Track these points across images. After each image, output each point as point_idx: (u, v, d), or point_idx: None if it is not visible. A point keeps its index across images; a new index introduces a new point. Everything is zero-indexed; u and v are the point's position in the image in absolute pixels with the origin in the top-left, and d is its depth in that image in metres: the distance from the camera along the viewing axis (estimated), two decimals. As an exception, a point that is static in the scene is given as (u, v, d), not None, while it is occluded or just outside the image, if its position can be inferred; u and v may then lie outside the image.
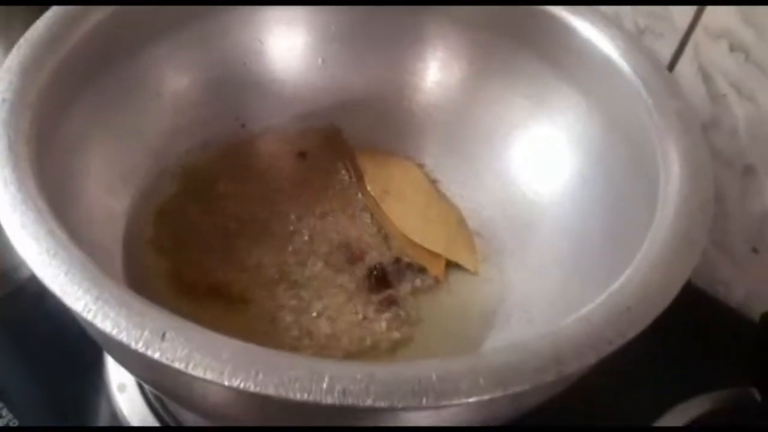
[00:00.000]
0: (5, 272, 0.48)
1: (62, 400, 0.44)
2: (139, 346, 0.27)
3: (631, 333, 0.30)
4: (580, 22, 0.44)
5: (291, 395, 0.26)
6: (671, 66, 0.51)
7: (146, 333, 0.27)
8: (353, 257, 0.46)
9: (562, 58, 0.45)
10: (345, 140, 0.52)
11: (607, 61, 0.43)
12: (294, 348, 0.41)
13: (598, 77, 0.44)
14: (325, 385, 0.26)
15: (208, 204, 0.47)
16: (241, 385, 0.26)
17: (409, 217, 0.48)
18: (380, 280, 0.45)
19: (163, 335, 0.27)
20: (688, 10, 0.48)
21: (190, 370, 0.27)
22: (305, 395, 0.26)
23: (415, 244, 0.47)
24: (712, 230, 0.52)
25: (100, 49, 0.41)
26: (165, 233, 0.45)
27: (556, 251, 0.44)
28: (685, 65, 0.50)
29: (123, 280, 0.40)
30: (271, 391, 0.26)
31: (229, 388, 0.26)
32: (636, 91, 0.41)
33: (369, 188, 0.49)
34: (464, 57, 0.49)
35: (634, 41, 0.43)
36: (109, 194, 0.42)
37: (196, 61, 0.48)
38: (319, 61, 0.51)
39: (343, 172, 0.51)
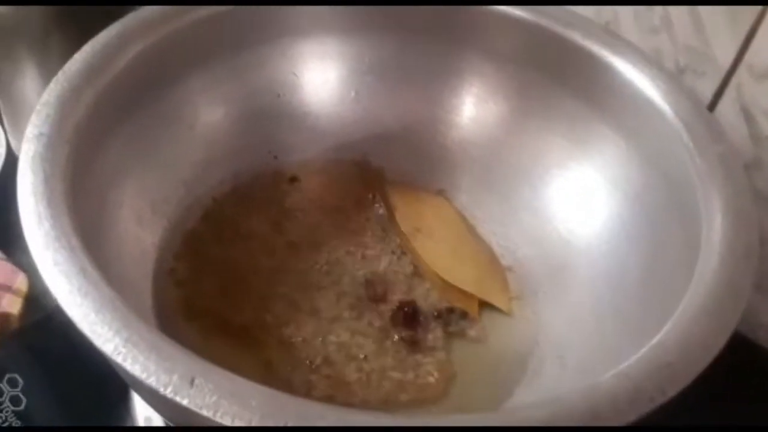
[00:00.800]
0: (35, 297, 0.48)
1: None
2: (168, 392, 0.27)
3: (673, 390, 0.28)
4: (620, 61, 0.43)
5: (320, 447, 0.26)
6: (712, 105, 0.50)
7: (175, 378, 0.27)
8: (381, 296, 0.45)
9: (601, 97, 0.45)
10: (378, 174, 0.51)
11: (647, 102, 0.42)
12: (311, 389, 0.40)
13: (638, 118, 0.43)
14: (355, 439, 0.26)
15: (233, 237, 0.47)
16: (270, 436, 0.26)
17: (440, 255, 0.48)
18: (410, 317, 0.44)
19: (192, 381, 0.27)
20: (731, 48, 0.47)
21: (218, 419, 0.26)
22: (335, 447, 0.26)
23: (447, 283, 0.46)
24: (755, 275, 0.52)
25: (138, 81, 0.42)
26: (186, 266, 0.44)
27: (593, 294, 0.43)
28: (726, 105, 0.49)
29: (152, 315, 0.40)
30: (299, 442, 0.26)
31: (258, 438, 0.26)
32: (677, 133, 0.40)
33: (400, 225, 0.49)
34: (501, 93, 0.49)
35: (675, 81, 0.42)
36: (141, 226, 0.42)
37: (230, 94, 0.48)
38: (353, 94, 0.51)
39: (376, 206, 0.50)
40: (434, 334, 0.44)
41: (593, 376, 0.36)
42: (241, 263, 0.46)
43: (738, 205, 0.37)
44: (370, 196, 0.51)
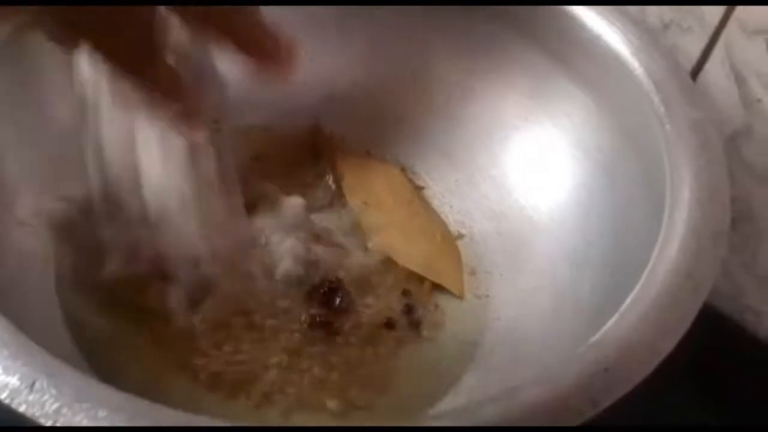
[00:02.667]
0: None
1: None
2: (3, 397, 0.23)
3: (607, 401, 0.24)
4: (588, 14, 0.38)
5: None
6: (699, 66, 0.44)
7: (14, 380, 0.23)
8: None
9: (568, 53, 0.40)
10: (328, 141, 0.46)
11: (616, 60, 0.37)
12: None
13: (607, 78, 0.38)
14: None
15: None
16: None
17: (388, 231, 0.43)
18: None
19: (32, 384, 0.23)
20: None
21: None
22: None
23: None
24: (740, 252, 0.47)
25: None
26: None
27: (552, 275, 0.38)
28: (715, 65, 0.44)
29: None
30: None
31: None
32: (648, 96, 0.35)
33: (347, 197, 0.44)
34: (460, 49, 0.44)
35: (649, 37, 0.37)
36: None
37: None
38: (304, 52, 0.46)
39: (326, 176, 0.45)
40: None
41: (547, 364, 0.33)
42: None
43: (710, 180, 0.32)
44: (323, 167, 0.46)
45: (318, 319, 0.37)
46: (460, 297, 0.41)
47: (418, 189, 0.45)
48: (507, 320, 0.39)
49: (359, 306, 0.38)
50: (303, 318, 0.38)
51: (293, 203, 0.41)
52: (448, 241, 0.43)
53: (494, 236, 0.42)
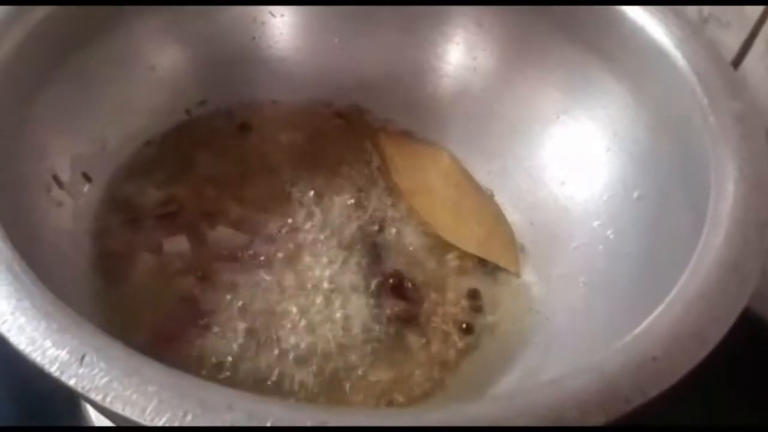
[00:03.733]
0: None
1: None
2: (54, 370, 0.23)
3: (654, 391, 0.24)
4: (630, 8, 0.38)
5: (223, 443, 0.22)
6: (738, 60, 0.44)
7: (63, 354, 0.23)
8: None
9: (607, 46, 0.40)
10: (370, 124, 0.46)
11: (659, 52, 0.37)
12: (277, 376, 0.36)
13: (647, 70, 0.38)
14: (265, 435, 0.22)
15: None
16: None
17: (440, 213, 0.43)
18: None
19: (82, 358, 0.23)
20: (761, -4, 0.42)
21: (108, 404, 0.22)
22: (240, 444, 0.22)
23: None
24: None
25: (79, 18, 0.38)
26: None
27: (586, 269, 0.38)
28: (754, 59, 0.44)
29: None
30: (199, 436, 0.22)
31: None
32: (690, 87, 0.35)
33: (397, 180, 0.44)
34: (496, 40, 0.43)
35: (690, 29, 0.37)
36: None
37: (197, 33, 0.44)
38: (336, 40, 0.46)
39: (370, 159, 0.45)
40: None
41: (578, 360, 0.33)
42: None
43: (754, 172, 0.31)
44: (367, 149, 0.46)
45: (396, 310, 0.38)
46: (517, 275, 0.41)
47: (465, 170, 0.45)
48: (541, 311, 0.38)
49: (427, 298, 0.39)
50: (388, 312, 0.38)
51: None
52: (501, 219, 0.43)
53: (528, 227, 0.42)
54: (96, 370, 0.23)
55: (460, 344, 0.38)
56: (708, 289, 0.27)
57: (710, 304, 0.27)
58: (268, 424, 0.22)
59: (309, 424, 0.22)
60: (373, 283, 0.39)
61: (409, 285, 0.40)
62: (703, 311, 0.26)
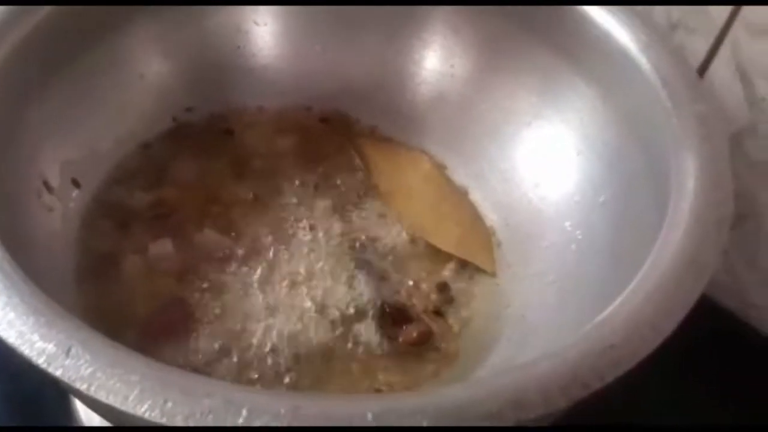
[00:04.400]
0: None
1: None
2: (42, 362, 0.24)
3: (611, 375, 0.25)
4: (598, 12, 0.40)
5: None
6: (705, 65, 0.46)
7: (50, 347, 0.24)
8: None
9: (577, 51, 0.41)
10: (351, 128, 0.48)
11: (625, 57, 0.38)
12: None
13: (615, 75, 0.39)
14: (241, 420, 0.23)
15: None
16: (147, 414, 0.23)
17: (420, 215, 0.44)
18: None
19: (69, 350, 0.24)
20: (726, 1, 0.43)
21: (92, 393, 0.23)
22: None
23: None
24: (744, 249, 0.48)
25: (72, 28, 0.39)
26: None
27: (558, 267, 0.39)
28: (721, 64, 0.45)
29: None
30: (179, 421, 0.23)
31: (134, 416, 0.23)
32: (655, 91, 0.36)
33: (378, 183, 0.46)
34: (472, 47, 0.45)
35: (656, 34, 0.38)
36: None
37: (184, 42, 0.45)
38: (318, 47, 0.47)
39: (352, 162, 0.47)
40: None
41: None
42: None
43: (713, 170, 0.33)
44: (350, 154, 0.47)
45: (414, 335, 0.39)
46: (492, 274, 0.42)
47: (444, 173, 0.46)
48: (516, 308, 0.40)
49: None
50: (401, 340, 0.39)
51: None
52: (478, 221, 0.44)
53: (503, 227, 0.44)
54: (81, 362, 0.24)
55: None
56: (665, 281, 0.28)
57: (667, 295, 0.28)
58: (244, 411, 0.23)
59: (283, 410, 0.23)
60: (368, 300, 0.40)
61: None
62: (659, 302, 0.28)
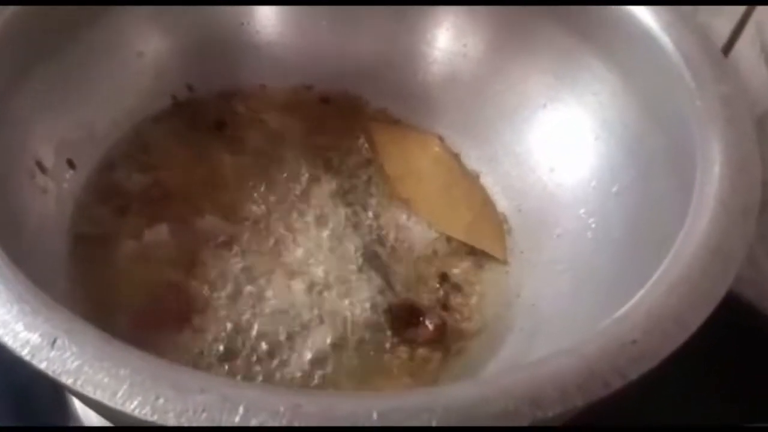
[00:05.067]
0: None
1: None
2: (25, 353, 0.23)
3: (634, 373, 0.24)
4: (618, -10, 0.38)
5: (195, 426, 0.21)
6: (729, 45, 0.44)
7: (35, 337, 0.23)
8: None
9: (596, 30, 0.39)
10: (360, 110, 0.46)
11: (646, 36, 0.36)
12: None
13: (636, 55, 0.37)
14: (238, 418, 0.21)
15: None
16: (137, 411, 0.22)
17: (429, 200, 0.43)
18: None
19: (54, 342, 0.23)
20: (752, -19, 0.41)
21: (79, 388, 0.22)
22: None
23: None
24: (766, 240, 0.46)
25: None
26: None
27: (573, 255, 0.38)
28: (745, 45, 0.43)
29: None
30: (171, 419, 0.21)
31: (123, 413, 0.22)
32: (678, 72, 0.35)
33: (386, 166, 0.44)
34: (486, 26, 0.43)
35: (680, 14, 0.36)
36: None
37: (185, 19, 0.43)
38: (324, 23, 0.45)
39: (360, 145, 0.45)
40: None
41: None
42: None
43: (740, 154, 0.31)
44: (357, 136, 0.45)
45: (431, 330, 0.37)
46: (504, 261, 0.40)
47: (456, 156, 0.45)
48: (527, 297, 0.38)
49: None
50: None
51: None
52: (489, 206, 0.43)
53: (516, 213, 0.42)
54: (67, 354, 0.23)
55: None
56: (691, 272, 0.27)
57: (692, 287, 0.26)
58: (241, 408, 0.22)
59: (282, 408, 0.22)
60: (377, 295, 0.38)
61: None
62: (684, 294, 0.26)
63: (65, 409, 0.39)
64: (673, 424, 0.40)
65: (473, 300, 0.39)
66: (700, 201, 0.30)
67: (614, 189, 0.38)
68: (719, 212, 0.29)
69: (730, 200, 0.29)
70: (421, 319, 0.37)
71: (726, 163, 0.31)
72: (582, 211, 0.39)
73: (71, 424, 0.39)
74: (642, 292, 0.27)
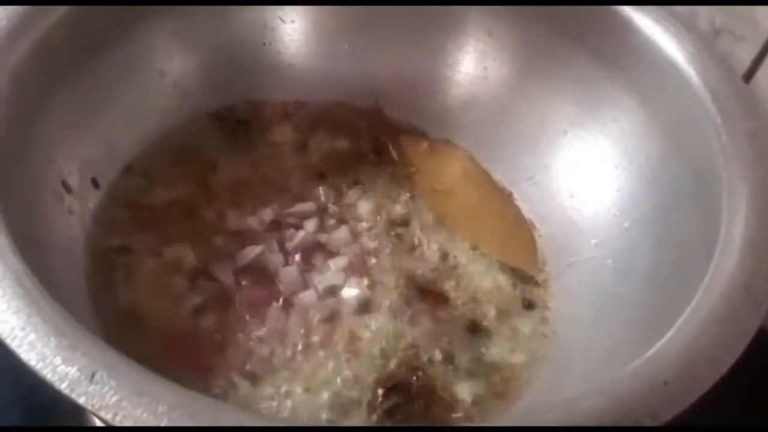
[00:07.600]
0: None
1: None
2: (64, 387, 0.23)
3: (667, 414, 0.24)
4: (641, 17, 0.38)
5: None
6: (750, 74, 0.44)
7: (74, 371, 0.23)
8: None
9: (619, 59, 0.39)
10: (390, 124, 0.46)
11: (670, 66, 0.37)
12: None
13: (659, 84, 0.38)
14: (275, 454, 0.22)
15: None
16: (176, 447, 0.22)
17: (461, 215, 0.43)
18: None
19: (93, 375, 0.23)
20: (775, 9, 0.42)
21: (119, 423, 0.22)
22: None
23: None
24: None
25: (92, 24, 0.38)
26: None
27: (593, 284, 0.38)
28: (766, 74, 0.43)
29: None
30: (210, 456, 0.22)
31: (163, 449, 0.22)
32: (702, 104, 0.35)
33: (417, 181, 0.44)
34: (507, 50, 0.43)
35: (704, 43, 0.37)
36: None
37: (209, 39, 0.44)
38: (346, 45, 0.46)
39: (390, 159, 0.45)
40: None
41: (589, 379, 0.32)
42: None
43: (767, 192, 0.31)
44: (384, 147, 0.45)
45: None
46: (536, 276, 0.40)
47: (485, 170, 0.45)
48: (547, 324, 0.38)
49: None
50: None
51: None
52: (521, 221, 0.43)
53: (536, 238, 0.42)
54: (106, 388, 0.23)
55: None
56: (721, 312, 0.27)
57: (723, 327, 0.27)
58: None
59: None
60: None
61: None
62: (715, 335, 0.26)
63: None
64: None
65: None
66: (727, 239, 0.30)
67: (635, 218, 0.38)
68: (747, 251, 0.29)
69: (759, 239, 0.29)
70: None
71: (753, 202, 0.31)
72: (602, 239, 0.39)
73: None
74: (672, 331, 0.27)
